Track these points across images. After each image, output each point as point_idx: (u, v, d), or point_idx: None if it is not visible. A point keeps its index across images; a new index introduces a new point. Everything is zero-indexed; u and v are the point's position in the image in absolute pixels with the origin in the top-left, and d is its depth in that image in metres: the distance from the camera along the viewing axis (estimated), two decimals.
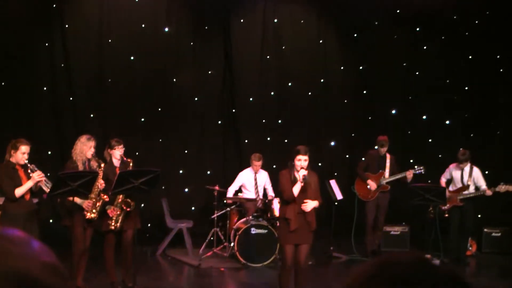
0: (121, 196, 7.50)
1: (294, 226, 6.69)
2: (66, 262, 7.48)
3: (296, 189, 6.72)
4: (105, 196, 7.26)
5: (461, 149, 10.03)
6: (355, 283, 1.12)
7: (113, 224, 7.51)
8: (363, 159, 10.66)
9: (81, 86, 10.86)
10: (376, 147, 10.41)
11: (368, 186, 10.19)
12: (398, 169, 10.28)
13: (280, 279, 7.01)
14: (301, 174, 6.70)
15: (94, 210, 7.24)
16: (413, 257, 1.12)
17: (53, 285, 1.04)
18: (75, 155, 7.35)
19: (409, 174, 10.04)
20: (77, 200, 7.06)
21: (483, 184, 9.92)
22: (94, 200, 7.22)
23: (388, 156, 10.25)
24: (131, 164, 7.66)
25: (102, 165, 7.40)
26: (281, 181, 6.85)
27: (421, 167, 10.12)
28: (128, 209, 7.53)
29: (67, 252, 7.56)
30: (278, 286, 7.01)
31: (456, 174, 10.08)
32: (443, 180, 10.26)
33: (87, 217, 7.19)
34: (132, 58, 11.10)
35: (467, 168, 10.00)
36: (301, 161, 6.75)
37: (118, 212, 7.52)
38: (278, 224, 8.82)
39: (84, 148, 7.33)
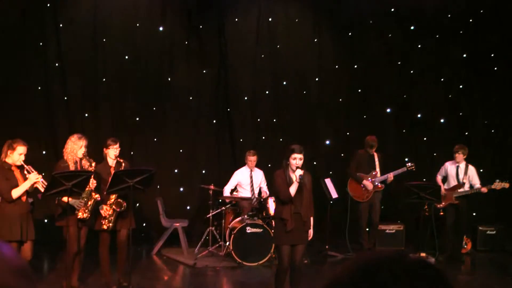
0: (113, 196, 7.48)
1: (291, 226, 6.66)
2: (60, 262, 7.48)
3: (292, 189, 6.67)
4: (97, 195, 7.23)
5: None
6: (337, 277, 1.14)
7: (106, 223, 7.50)
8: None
9: (75, 85, 10.84)
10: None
11: (363, 187, 10.16)
12: (387, 166, 10.28)
13: (276, 279, 6.98)
14: (297, 173, 6.62)
15: (86, 210, 7.21)
16: (389, 252, 1.15)
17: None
18: (66, 154, 7.33)
19: (390, 177, 10.05)
20: (70, 200, 7.03)
21: (477, 183, 9.95)
22: (85, 199, 7.19)
23: (375, 154, 10.24)
24: (123, 165, 7.63)
25: (93, 164, 7.37)
26: (277, 181, 6.78)
27: (412, 164, 10.12)
28: (118, 210, 7.51)
29: (61, 252, 7.56)
30: (274, 286, 7.00)
31: (452, 171, 10.10)
32: (439, 178, 10.27)
33: (79, 216, 7.16)
34: (126, 57, 11.08)
35: (462, 166, 10.03)
36: (296, 160, 6.67)
37: (110, 212, 7.50)
38: (273, 223, 8.82)
39: (75, 148, 7.30)
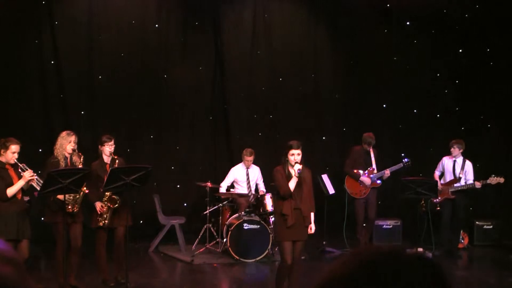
0: (108, 193, 7.49)
1: (291, 221, 6.68)
2: (55, 260, 7.47)
3: (292, 184, 6.71)
4: (85, 188, 7.22)
5: None
6: (332, 274, 1.15)
7: (102, 220, 7.51)
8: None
9: (71, 83, 10.81)
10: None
11: (361, 184, 10.13)
12: (382, 162, 10.27)
13: (277, 275, 6.99)
14: (296, 168, 6.69)
15: (75, 203, 7.20)
16: (385, 248, 1.17)
17: (8, 275, 1.04)
18: (56, 150, 7.40)
19: (387, 174, 10.03)
20: (61, 197, 7.02)
21: (471, 178, 9.98)
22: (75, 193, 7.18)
23: (372, 150, 10.22)
24: (117, 161, 7.64)
25: (82, 157, 7.44)
26: (276, 177, 6.82)
27: (409, 160, 10.11)
28: (112, 206, 7.52)
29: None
30: (275, 282, 7.00)
31: (448, 165, 10.12)
32: (437, 174, 10.29)
33: (68, 210, 7.13)
34: (122, 54, 11.06)
35: (459, 160, 10.05)
36: (294, 155, 6.73)
37: (105, 209, 7.52)
38: (272, 220, 8.83)
39: (64, 143, 7.35)
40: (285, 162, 6.83)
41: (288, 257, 6.76)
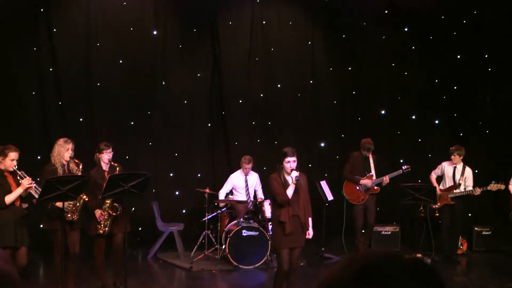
0: (108, 200, 7.49)
1: (289, 229, 6.67)
2: (54, 267, 7.48)
3: (289, 192, 6.69)
4: (85, 196, 7.22)
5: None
6: (331, 276, 1.16)
7: (101, 228, 7.51)
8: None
9: (69, 90, 10.81)
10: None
11: (360, 189, 10.12)
12: (382, 168, 10.26)
13: (275, 281, 6.98)
14: (293, 175, 6.67)
15: (75, 211, 7.20)
16: (383, 252, 1.20)
17: None
18: (53, 158, 7.41)
19: (386, 180, 10.02)
20: (59, 204, 7.02)
21: (470, 185, 9.98)
22: (74, 200, 7.18)
23: (371, 157, 10.21)
24: (117, 169, 7.65)
25: (81, 166, 7.45)
26: (273, 184, 6.79)
27: (408, 167, 10.10)
28: (114, 214, 7.53)
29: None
30: None
31: (449, 171, 10.12)
32: (433, 176, 10.29)
33: (68, 218, 7.13)
34: (120, 61, 11.06)
35: (460, 167, 10.05)
36: (290, 163, 6.71)
37: (106, 217, 7.52)
38: (271, 227, 8.83)
39: (62, 150, 7.36)
40: (281, 170, 6.81)
41: (285, 264, 6.75)
